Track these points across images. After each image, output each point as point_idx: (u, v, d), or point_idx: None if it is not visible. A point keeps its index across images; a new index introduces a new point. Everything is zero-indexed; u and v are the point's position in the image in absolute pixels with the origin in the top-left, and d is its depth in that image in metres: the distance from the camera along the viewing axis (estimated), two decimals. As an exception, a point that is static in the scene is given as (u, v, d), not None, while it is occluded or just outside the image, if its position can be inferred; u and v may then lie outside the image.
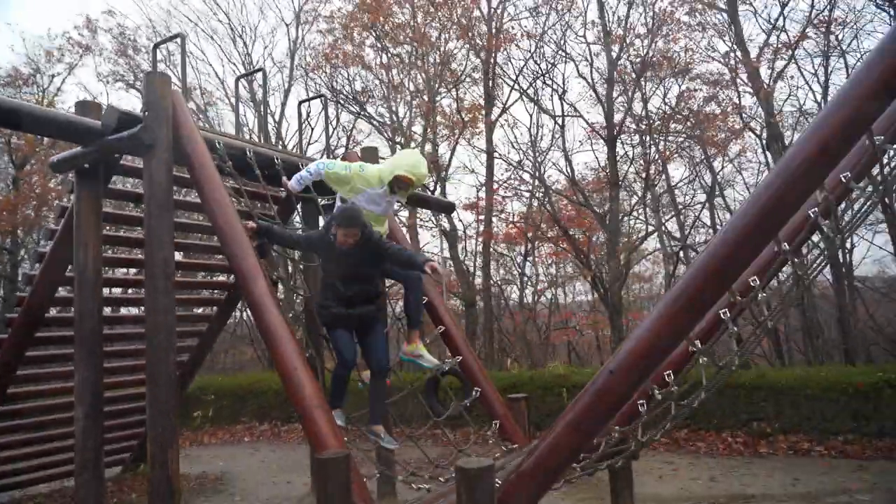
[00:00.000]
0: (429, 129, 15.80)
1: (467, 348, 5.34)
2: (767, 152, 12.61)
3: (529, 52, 14.15)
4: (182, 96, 4.55)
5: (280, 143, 16.93)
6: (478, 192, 17.63)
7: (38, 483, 6.64)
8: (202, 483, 6.93)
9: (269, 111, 17.09)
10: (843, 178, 2.69)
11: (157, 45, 6.03)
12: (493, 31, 14.81)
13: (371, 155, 6.22)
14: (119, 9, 30.85)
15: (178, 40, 5.12)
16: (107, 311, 6.73)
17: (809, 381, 7.30)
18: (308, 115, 17.39)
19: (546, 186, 13.49)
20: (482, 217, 15.81)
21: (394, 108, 16.54)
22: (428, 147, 15.71)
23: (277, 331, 3.85)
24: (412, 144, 16.50)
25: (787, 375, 7.61)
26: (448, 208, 8.06)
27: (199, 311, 7.58)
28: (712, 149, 13.22)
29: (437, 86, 15.73)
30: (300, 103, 6.52)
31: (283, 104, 17.57)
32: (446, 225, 15.35)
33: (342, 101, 16.52)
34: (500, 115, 15.51)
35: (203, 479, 7.10)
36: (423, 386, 5.23)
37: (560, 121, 13.07)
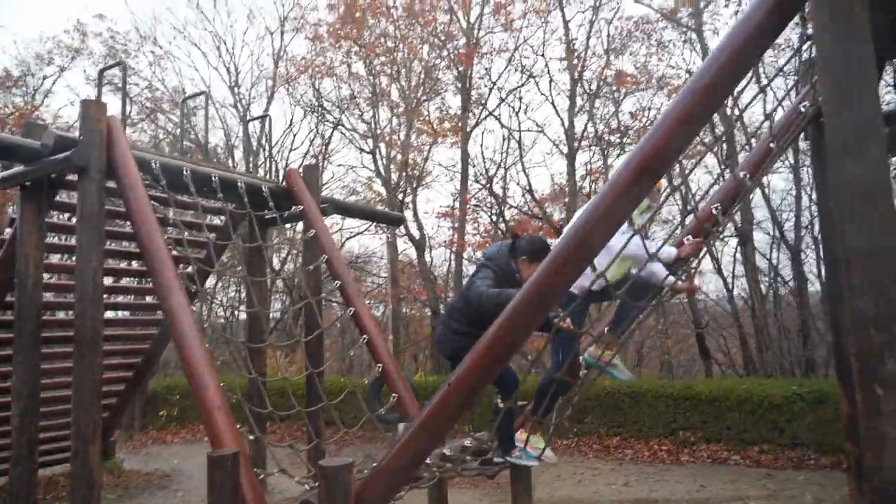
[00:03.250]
0: (409, 135, 16.25)
1: (388, 355, 5.72)
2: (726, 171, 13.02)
3: (500, 70, 14.63)
4: (119, 121, 4.95)
5: (262, 150, 17.40)
6: (454, 200, 18.13)
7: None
8: (149, 479, 7.31)
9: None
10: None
11: (102, 71, 6.57)
12: (471, 42, 15.30)
13: (311, 173, 6.58)
14: (109, 14, 31.29)
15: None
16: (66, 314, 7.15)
17: (731, 392, 7.68)
18: (290, 124, 17.92)
19: (499, 203, 13.96)
20: (456, 225, 16.26)
21: (376, 116, 16.97)
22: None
23: (188, 337, 4.23)
24: (392, 151, 17.03)
25: (711, 386, 7.98)
26: (396, 221, 8.45)
27: (155, 315, 7.99)
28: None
29: (418, 95, 16.24)
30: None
31: (266, 110, 18.04)
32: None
33: (321, 112, 17.00)
34: (473, 128, 15.95)
35: (152, 475, 7.48)
36: (366, 388, 5.45)
37: (518, 136, 13.53)
